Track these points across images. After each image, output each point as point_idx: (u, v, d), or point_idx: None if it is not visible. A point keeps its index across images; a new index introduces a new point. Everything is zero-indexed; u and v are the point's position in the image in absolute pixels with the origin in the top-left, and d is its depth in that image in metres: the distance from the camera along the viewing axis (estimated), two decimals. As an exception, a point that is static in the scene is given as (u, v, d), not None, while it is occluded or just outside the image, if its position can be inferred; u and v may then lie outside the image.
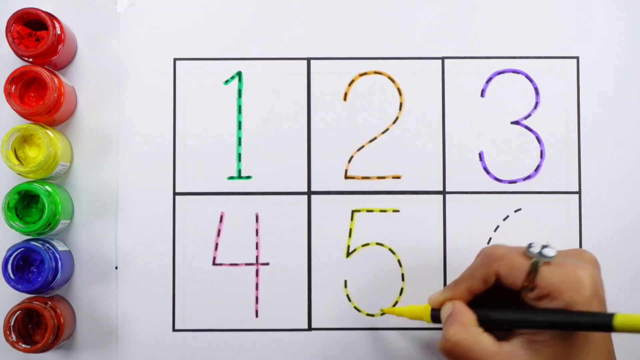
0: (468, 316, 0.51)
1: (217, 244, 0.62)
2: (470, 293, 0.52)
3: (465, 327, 0.50)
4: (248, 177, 0.62)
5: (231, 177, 0.62)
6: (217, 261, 0.62)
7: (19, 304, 0.58)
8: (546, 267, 0.49)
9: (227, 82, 0.63)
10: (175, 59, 0.62)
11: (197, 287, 0.62)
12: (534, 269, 0.49)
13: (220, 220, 0.62)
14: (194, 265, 0.62)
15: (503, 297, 0.52)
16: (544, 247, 0.49)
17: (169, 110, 0.62)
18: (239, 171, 0.62)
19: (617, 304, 0.51)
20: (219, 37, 0.63)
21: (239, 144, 0.62)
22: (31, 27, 0.59)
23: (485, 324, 0.51)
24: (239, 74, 0.62)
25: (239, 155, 0.62)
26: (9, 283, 0.57)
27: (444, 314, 0.53)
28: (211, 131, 0.62)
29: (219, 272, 0.62)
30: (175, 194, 0.62)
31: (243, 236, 0.62)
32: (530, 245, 0.49)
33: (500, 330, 0.51)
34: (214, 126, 0.62)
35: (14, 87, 0.58)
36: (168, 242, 0.62)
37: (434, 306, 0.54)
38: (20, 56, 0.59)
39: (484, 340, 0.49)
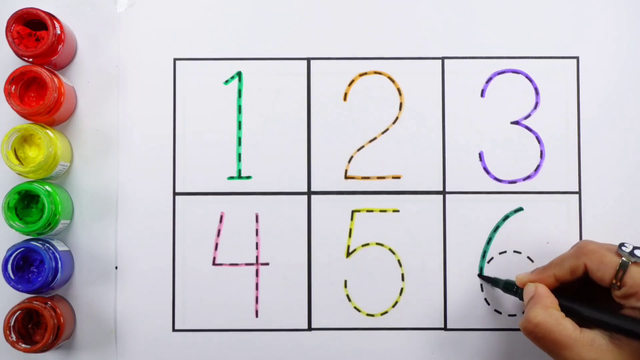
0: (550, 300, 0.53)
1: (217, 244, 0.62)
2: (556, 280, 0.55)
3: (547, 309, 0.52)
4: (248, 177, 0.62)
5: (231, 177, 0.62)
6: (217, 261, 0.62)
7: (19, 304, 0.58)
8: (635, 267, 0.51)
9: (227, 82, 0.63)
10: (175, 59, 0.62)
11: (197, 287, 0.62)
12: (623, 267, 0.51)
13: (220, 220, 0.62)
14: (194, 265, 0.62)
15: (590, 292, 0.54)
16: (635, 248, 0.51)
17: (169, 110, 0.62)
18: (239, 171, 0.62)
19: (617, 304, 0.51)
20: (219, 37, 0.63)
21: (239, 144, 0.62)
22: (31, 27, 0.59)
23: (568, 313, 0.53)
24: (239, 74, 0.62)
25: (239, 155, 0.62)
26: (9, 283, 0.57)
27: (526, 293, 0.55)
28: (211, 131, 0.62)
29: (219, 272, 0.62)
30: (175, 194, 0.62)
31: (243, 236, 0.62)
32: (622, 245, 0.52)
33: (583, 321, 0.53)
34: (214, 126, 0.62)
35: (14, 87, 0.58)
36: (168, 242, 0.62)
37: (520, 285, 0.57)
38: (20, 56, 0.59)
39: (566, 325, 0.51)
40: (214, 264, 0.62)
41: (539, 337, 0.52)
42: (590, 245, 0.53)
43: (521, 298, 0.57)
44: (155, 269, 0.62)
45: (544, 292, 0.54)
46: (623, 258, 0.51)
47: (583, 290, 0.55)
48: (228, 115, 0.62)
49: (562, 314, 0.52)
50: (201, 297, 0.62)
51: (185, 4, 0.63)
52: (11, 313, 0.57)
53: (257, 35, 0.63)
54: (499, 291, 0.61)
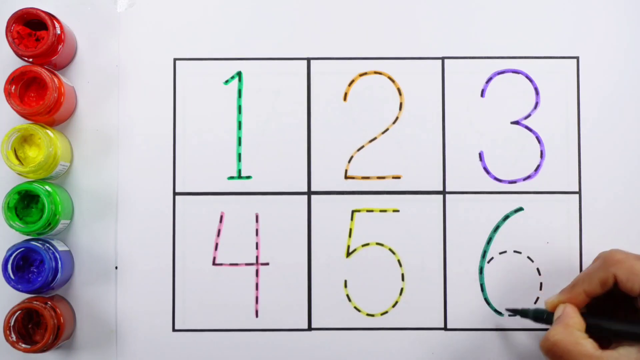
0: (574, 320, 0.51)
1: (217, 244, 0.62)
2: (587, 295, 0.53)
3: (568, 328, 0.51)
4: (248, 177, 0.62)
5: (231, 177, 0.62)
6: (217, 261, 0.62)
7: (19, 304, 0.58)
8: None
9: (227, 82, 0.63)
10: (175, 59, 0.62)
11: (197, 287, 0.62)
12: None
13: (220, 220, 0.62)
14: (194, 265, 0.62)
15: (615, 308, 0.53)
16: None
17: (169, 110, 0.62)
18: (239, 171, 0.62)
19: (617, 304, 0.51)
20: (219, 37, 0.63)
21: (239, 144, 0.62)
22: (31, 27, 0.59)
23: (596, 333, 0.51)
24: (239, 74, 0.62)
25: (239, 155, 0.62)
26: (9, 283, 0.57)
27: (556, 317, 0.53)
28: (211, 131, 0.62)
29: (219, 272, 0.62)
30: (175, 194, 0.62)
31: (243, 236, 0.62)
32: None
33: (611, 339, 0.51)
34: (214, 126, 0.62)
35: (14, 87, 0.58)
36: (168, 242, 0.62)
37: (550, 309, 0.55)
38: (20, 56, 0.59)
39: (585, 344, 0.50)
40: (214, 264, 0.62)
41: (557, 356, 0.50)
42: (617, 255, 0.52)
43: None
44: (155, 269, 0.62)
45: (570, 311, 0.52)
46: None
47: (608, 307, 0.54)
48: (228, 115, 0.62)
49: (584, 335, 0.51)
50: (201, 297, 0.62)
51: (185, 4, 0.63)
52: (11, 313, 0.57)
53: (257, 35, 0.63)
54: (499, 291, 0.61)
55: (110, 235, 0.62)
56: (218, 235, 0.62)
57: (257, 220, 0.62)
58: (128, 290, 0.61)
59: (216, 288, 0.62)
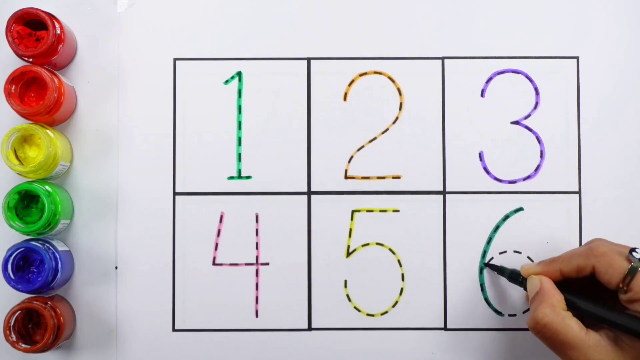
0: (557, 298, 0.53)
1: (217, 244, 0.62)
2: (562, 275, 0.55)
3: (555, 309, 0.53)
4: (248, 177, 0.62)
5: (231, 177, 0.62)
6: (217, 261, 0.62)
7: (19, 304, 0.58)
8: None
9: (227, 82, 0.63)
10: (175, 59, 0.62)
11: (197, 287, 0.62)
12: (631, 273, 0.51)
13: (220, 220, 0.62)
14: (194, 265, 0.62)
15: (594, 289, 0.54)
16: None
17: (169, 110, 0.62)
18: (239, 171, 0.62)
19: (617, 304, 0.51)
20: (219, 37, 0.63)
21: (239, 144, 0.62)
22: (31, 27, 0.59)
23: (572, 309, 0.53)
24: (239, 74, 0.62)
25: (239, 155, 0.62)
26: (9, 283, 0.57)
27: (531, 286, 0.56)
28: (211, 131, 0.62)
29: (219, 272, 0.62)
30: (175, 194, 0.62)
31: (243, 236, 0.62)
32: (633, 250, 0.52)
33: (585, 318, 0.53)
34: (214, 126, 0.62)
35: (14, 87, 0.58)
36: (168, 242, 0.62)
37: (525, 275, 0.57)
38: (20, 56, 0.59)
39: (573, 325, 0.52)
40: (214, 264, 0.62)
41: (547, 337, 0.52)
42: (602, 248, 0.53)
43: (525, 288, 0.57)
44: (155, 269, 0.62)
45: (550, 288, 0.54)
46: (632, 264, 0.51)
47: (587, 286, 0.55)
48: (228, 115, 0.62)
49: (569, 314, 0.53)
50: (201, 297, 0.62)
51: (185, 4, 0.63)
52: (11, 313, 0.57)
53: (257, 35, 0.63)
54: (499, 291, 0.61)
55: (110, 235, 0.62)
56: (218, 235, 0.62)
57: (257, 220, 0.62)
58: (128, 290, 0.61)
59: (216, 288, 0.62)
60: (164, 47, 0.62)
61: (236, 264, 0.62)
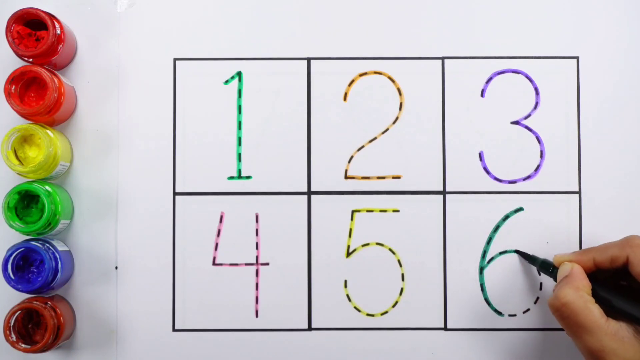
0: (584, 282, 0.53)
1: (217, 244, 0.62)
2: (595, 264, 0.55)
3: (578, 291, 0.52)
4: (248, 177, 0.62)
5: (231, 177, 0.62)
6: (217, 261, 0.62)
7: (19, 304, 0.58)
8: None
9: (227, 82, 0.63)
10: (175, 59, 0.62)
11: (197, 287, 0.62)
12: None
13: (220, 220, 0.62)
14: (194, 265, 0.62)
15: (625, 286, 0.54)
16: None
17: (169, 110, 0.62)
18: (239, 171, 0.62)
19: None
20: (219, 37, 0.63)
21: (239, 144, 0.62)
22: (31, 27, 0.59)
23: (598, 300, 0.53)
24: (239, 74, 0.62)
25: (239, 155, 0.62)
26: (9, 283, 0.57)
27: (561, 272, 0.55)
28: (211, 131, 0.62)
29: (219, 272, 0.62)
30: (175, 194, 0.62)
31: (243, 236, 0.62)
32: None
33: (611, 311, 0.53)
34: (214, 126, 0.62)
35: (14, 87, 0.58)
36: (168, 242, 0.62)
37: (557, 264, 0.57)
38: (20, 56, 0.59)
39: (593, 309, 0.51)
40: (214, 264, 0.62)
41: (565, 316, 0.52)
42: (637, 240, 0.54)
43: (555, 279, 0.57)
44: (155, 269, 0.62)
45: (578, 273, 0.54)
46: None
47: (618, 282, 0.55)
48: (228, 115, 0.62)
49: (591, 299, 0.52)
50: (201, 297, 0.62)
51: (185, 4, 0.63)
52: (11, 313, 0.57)
53: (257, 35, 0.63)
54: (499, 291, 0.61)
55: (110, 235, 0.62)
56: (218, 235, 0.62)
57: (257, 220, 0.62)
58: (128, 290, 0.61)
59: (216, 288, 0.62)
60: (164, 47, 0.62)
61: (236, 264, 0.62)
